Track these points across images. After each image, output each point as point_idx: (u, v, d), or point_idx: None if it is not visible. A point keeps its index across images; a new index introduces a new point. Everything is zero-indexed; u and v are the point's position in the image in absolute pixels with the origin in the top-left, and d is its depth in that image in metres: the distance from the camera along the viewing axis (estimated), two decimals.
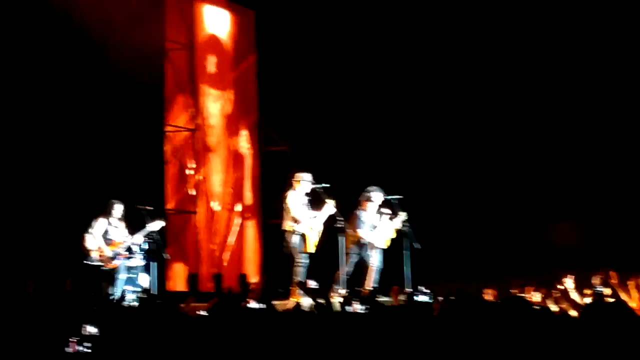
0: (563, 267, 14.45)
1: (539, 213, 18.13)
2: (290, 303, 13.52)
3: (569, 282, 12.49)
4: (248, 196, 19.56)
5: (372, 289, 14.94)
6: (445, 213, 18.27)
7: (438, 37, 18.73)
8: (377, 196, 15.35)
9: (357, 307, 12.74)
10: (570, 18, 18.13)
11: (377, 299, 14.45)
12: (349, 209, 15.20)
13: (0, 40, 14.70)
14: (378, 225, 15.29)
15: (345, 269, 14.90)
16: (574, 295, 12.22)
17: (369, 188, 15.39)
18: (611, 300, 11.32)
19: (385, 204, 15.39)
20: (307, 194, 14.76)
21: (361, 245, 15.11)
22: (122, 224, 14.45)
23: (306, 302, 13.36)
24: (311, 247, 14.66)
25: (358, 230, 15.01)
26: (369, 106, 19.08)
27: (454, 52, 18.70)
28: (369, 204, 15.19)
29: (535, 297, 12.51)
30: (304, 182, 14.73)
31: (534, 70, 18.44)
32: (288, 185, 15.06)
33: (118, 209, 14.39)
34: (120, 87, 15.93)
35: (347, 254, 14.90)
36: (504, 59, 18.53)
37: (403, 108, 18.89)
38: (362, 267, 15.23)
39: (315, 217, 14.69)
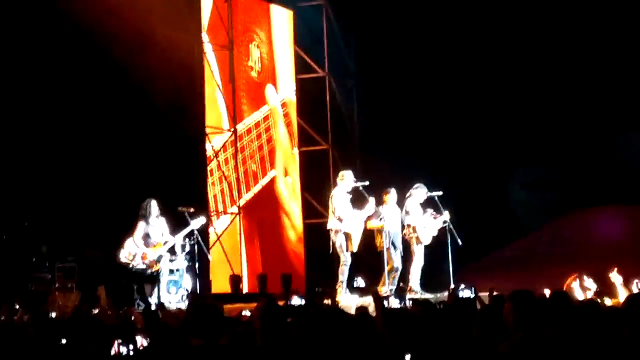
0: (610, 260, 14.36)
1: (580, 204, 18.04)
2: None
3: (615, 276, 12.35)
4: (293, 196, 19.60)
5: (405, 285, 14.91)
6: (488, 208, 18.21)
7: (480, 38, 18.71)
8: (420, 192, 15.33)
9: (394, 303, 12.73)
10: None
11: (419, 294, 14.53)
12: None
13: (36, 40, 14.82)
14: (423, 222, 15.26)
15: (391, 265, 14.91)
16: (621, 289, 12.08)
17: (416, 185, 15.38)
18: None
19: (429, 201, 15.36)
20: (348, 192, 14.72)
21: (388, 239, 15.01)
22: (161, 221, 14.34)
23: (351, 300, 13.37)
24: (354, 246, 14.61)
25: (371, 223, 14.93)
26: (408, 103, 19.06)
27: (499, 53, 18.69)
28: (389, 197, 15.11)
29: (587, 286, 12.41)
30: (347, 180, 14.68)
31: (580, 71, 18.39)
32: (333, 184, 15.03)
33: (154, 206, 14.25)
34: (159, 89, 15.99)
35: (385, 250, 14.86)
36: (543, 54, 18.49)
37: (443, 106, 18.84)
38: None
39: (357, 215, 14.64)
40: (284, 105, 19.61)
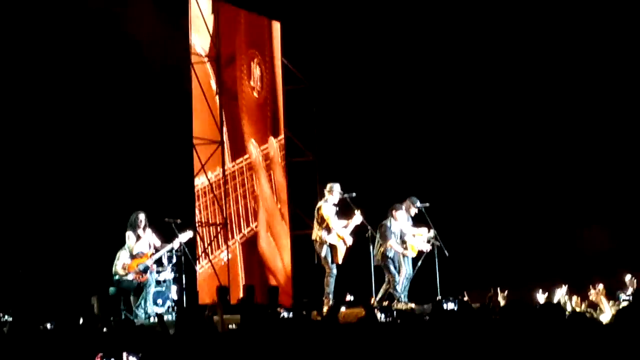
0: (593, 272, 14.41)
1: (567, 218, 18.08)
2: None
3: (599, 288, 12.37)
4: (279, 207, 19.57)
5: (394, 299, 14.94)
6: (474, 220, 18.23)
7: (464, 48, 18.75)
8: (410, 206, 15.40)
9: (380, 317, 12.73)
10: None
11: (406, 305, 14.54)
12: (375, 218, 15.22)
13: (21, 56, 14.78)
14: (410, 235, 15.31)
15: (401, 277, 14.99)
16: (604, 301, 12.09)
17: (408, 198, 15.46)
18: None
19: (418, 214, 15.43)
20: (335, 204, 14.75)
21: (388, 255, 15.06)
22: (148, 233, 14.36)
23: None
24: (340, 258, 14.62)
25: (389, 242, 14.99)
26: (393, 114, 19.08)
27: (481, 64, 18.72)
28: (398, 214, 15.19)
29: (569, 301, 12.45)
30: (335, 193, 14.72)
31: (564, 80, 18.43)
32: (320, 195, 15.07)
33: (141, 218, 14.32)
34: (147, 100, 15.97)
35: (384, 265, 14.94)
36: (534, 68, 18.53)
37: (429, 117, 18.87)
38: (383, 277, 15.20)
39: (343, 227, 14.67)
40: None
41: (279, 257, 19.33)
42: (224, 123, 18.06)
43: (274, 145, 19.48)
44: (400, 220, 15.24)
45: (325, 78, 19.52)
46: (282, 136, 19.77)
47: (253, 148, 18.90)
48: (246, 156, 18.71)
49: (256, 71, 19.28)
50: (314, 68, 19.74)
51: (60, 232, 14.79)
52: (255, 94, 19.25)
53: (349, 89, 19.15)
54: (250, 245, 18.69)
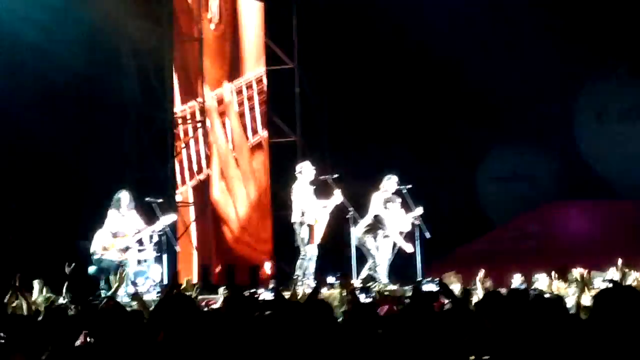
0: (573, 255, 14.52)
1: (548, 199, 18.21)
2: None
3: (577, 271, 12.47)
4: (261, 188, 19.56)
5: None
6: (456, 201, 18.33)
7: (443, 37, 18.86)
8: (391, 184, 15.29)
9: (362, 297, 12.73)
10: None
11: (386, 287, 14.57)
12: (357, 199, 15.20)
13: None
14: (393, 216, 15.26)
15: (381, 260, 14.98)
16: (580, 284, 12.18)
17: (387, 176, 15.32)
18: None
19: (399, 195, 15.33)
20: (311, 183, 14.60)
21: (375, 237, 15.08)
22: (132, 212, 14.30)
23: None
24: (318, 238, 14.52)
25: (387, 231, 14.98)
26: (378, 95, 19.12)
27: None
28: (392, 205, 15.09)
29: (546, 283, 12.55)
30: (305, 172, 14.55)
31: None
32: (295, 176, 15.02)
33: (125, 197, 14.22)
34: (128, 81, 15.95)
35: (367, 249, 14.92)
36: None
37: (412, 97, 18.94)
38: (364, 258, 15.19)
39: (323, 207, 14.55)
40: (249, 86, 19.29)
41: (232, 206, 18.92)
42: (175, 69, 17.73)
43: (229, 89, 18.89)
44: (392, 210, 15.16)
45: (309, 58, 19.50)
46: (242, 78, 19.20)
47: (206, 92, 18.19)
48: (199, 99, 18.03)
49: (213, 3, 18.57)
50: (297, 48, 19.72)
51: (40, 211, 14.77)
52: (213, 26, 18.53)
53: (333, 70, 19.16)
54: (203, 191, 18.26)
